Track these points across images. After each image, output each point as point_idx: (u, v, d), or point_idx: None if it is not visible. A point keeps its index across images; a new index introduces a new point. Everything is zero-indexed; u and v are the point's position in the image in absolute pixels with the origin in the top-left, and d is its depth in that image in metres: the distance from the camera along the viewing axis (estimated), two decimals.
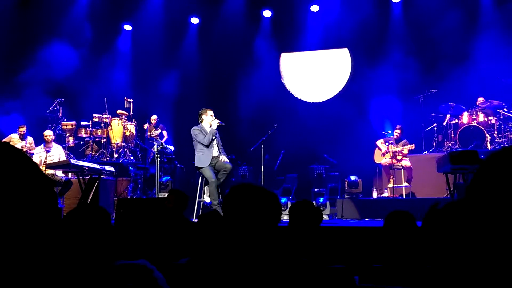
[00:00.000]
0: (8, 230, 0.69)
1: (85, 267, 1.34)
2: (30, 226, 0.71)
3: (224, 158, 7.13)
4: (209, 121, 7.07)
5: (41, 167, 7.31)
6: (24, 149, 8.22)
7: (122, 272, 1.21)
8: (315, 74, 11.89)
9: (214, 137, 6.99)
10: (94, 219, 1.59)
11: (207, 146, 6.94)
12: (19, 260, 0.70)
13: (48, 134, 8.14)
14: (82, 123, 10.29)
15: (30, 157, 0.77)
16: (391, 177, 8.70)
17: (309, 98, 11.83)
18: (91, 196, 7.25)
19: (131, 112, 10.44)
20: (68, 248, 1.40)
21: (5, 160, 0.72)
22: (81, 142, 10.31)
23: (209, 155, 6.95)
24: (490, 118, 9.11)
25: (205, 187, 7.14)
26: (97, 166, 7.49)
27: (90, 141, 10.18)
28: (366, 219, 7.66)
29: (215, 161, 7.02)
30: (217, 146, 7.11)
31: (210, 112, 7.13)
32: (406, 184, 8.56)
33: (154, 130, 10.18)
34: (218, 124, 7.02)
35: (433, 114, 9.72)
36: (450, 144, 9.20)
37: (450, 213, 0.80)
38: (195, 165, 7.07)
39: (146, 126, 10.39)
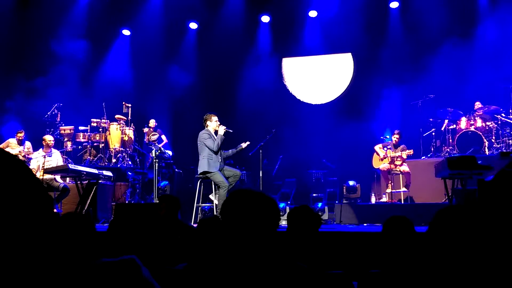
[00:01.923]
0: (3, 234, 0.68)
1: (66, 267, 1.34)
2: (25, 230, 0.71)
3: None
4: (213, 126, 6.98)
5: (39, 172, 7.31)
6: (22, 154, 8.21)
7: (106, 269, 1.20)
8: (316, 78, 11.92)
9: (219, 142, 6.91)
10: (76, 225, 1.64)
11: (216, 152, 6.85)
12: (15, 262, 0.69)
13: (49, 139, 8.13)
14: (80, 127, 10.27)
15: (24, 163, 0.77)
16: (390, 182, 8.69)
17: (310, 99, 11.86)
18: (89, 201, 7.23)
19: (129, 117, 10.43)
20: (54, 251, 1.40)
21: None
22: (79, 147, 10.30)
23: (217, 160, 6.86)
24: (488, 123, 9.14)
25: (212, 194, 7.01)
26: (95, 171, 7.48)
27: (88, 146, 10.17)
28: (365, 224, 7.65)
29: (222, 167, 6.99)
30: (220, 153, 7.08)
31: (214, 118, 7.03)
32: (404, 189, 8.56)
33: (153, 135, 10.17)
34: (225, 131, 6.95)
35: (431, 119, 9.74)
36: (448, 149, 9.22)
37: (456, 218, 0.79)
38: (203, 170, 6.81)
39: (145, 130, 10.39)
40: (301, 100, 11.91)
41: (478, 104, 9.35)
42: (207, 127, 7.03)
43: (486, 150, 8.85)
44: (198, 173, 6.99)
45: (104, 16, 11.48)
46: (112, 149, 9.98)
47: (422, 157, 9.50)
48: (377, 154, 9.08)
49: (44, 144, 8.04)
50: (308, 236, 3.09)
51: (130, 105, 10.49)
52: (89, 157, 10.03)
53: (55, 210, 7.36)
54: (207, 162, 6.81)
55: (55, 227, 0.76)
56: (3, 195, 0.70)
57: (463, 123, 9.20)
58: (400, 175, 8.67)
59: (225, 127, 6.95)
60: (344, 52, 11.73)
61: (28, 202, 0.72)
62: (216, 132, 6.97)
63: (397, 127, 9.35)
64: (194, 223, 6.71)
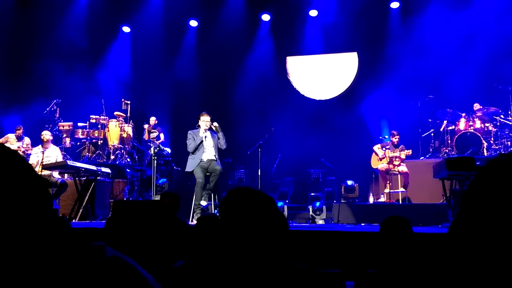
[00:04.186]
0: (2, 229, 0.68)
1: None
2: (23, 226, 0.71)
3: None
4: (202, 126, 7.21)
5: (37, 167, 7.30)
6: (21, 150, 8.20)
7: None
8: (317, 76, 11.91)
9: (203, 141, 7.12)
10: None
11: (193, 152, 7.14)
12: (13, 259, 0.69)
13: (46, 134, 8.12)
14: (79, 124, 10.27)
15: (24, 158, 0.77)
16: (388, 182, 8.70)
17: (312, 95, 11.85)
18: (87, 197, 7.23)
19: (128, 114, 10.42)
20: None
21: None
22: (78, 143, 10.29)
23: (198, 158, 7.13)
24: (487, 124, 9.15)
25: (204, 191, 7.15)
26: (93, 167, 7.48)
27: (87, 143, 10.16)
28: (362, 224, 7.65)
29: (208, 164, 7.11)
30: (214, 149, 7.19)
31: (203, 118, 7.25)
32: (402, 189, 8.57)
33: (152, 132, 10.16)
34: (206, 127, 7.15)
35: (430, 120, 9.74)
36: (447, 150, 9.23)
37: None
38: (187, 171, 7.28)
39: (145, 126, 10.39)
40: (304, 95, 11.86)
41: (477, 106, 9.37)
42: (199, 126, 7.28)
43: (485, 151, 8.86)
44: None
45: (105, 13, 11.46)
46: (110, 146, 9.97)
47: (421, 158, 9.51)
48: (376, 154, 9.08)
49: (42, 139, 8.03)
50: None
51: (129, 102, 10.48)
52: (87, 153, 10.02)
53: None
54: (189, 162, 7.22)
55: (54, 224, 0.76)
56: (2, 190, 0.70)
57: (462, 124, 9.21)
58: (399, 175, 8.68)
59: (205, 128, 7.16)
60: (341, 51, 11.71)
61: (27, 197, 0.72)
62: (210, 129, 7.24)
63: (396, 127, 9.36)
64: (191, 221, 6.72)
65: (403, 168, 8.63)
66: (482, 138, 8.88)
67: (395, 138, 8.85)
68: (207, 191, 7.10)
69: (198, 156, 7.15)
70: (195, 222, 6.39)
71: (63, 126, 10.15)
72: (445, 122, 9.49)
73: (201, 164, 7.11)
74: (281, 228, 1.50)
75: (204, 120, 7.22)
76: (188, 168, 7.20)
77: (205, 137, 7.18)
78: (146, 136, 10.39)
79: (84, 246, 0.82)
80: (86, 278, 0.78)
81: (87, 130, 10.17)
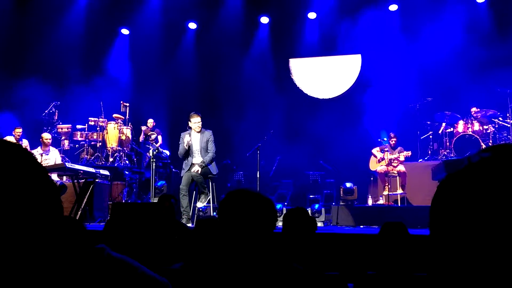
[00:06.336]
0: (13, 228, 0.69)
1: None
2: (34, 225, 0.71)
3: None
4: (193, 128, 7.08)
5: None
6: None
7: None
8: (319, 77, 11.91)
9: (191, 144, 6.97)
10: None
11: (185, 157, 7.02)
12: (21, 258, 0.70)
13: (47, 137, 8.11)
14: (78, 126, 10.25)
15: (35, 157, 0.78)
16: (386, 184, 8.71)
17: (314, 94, 11.85)
18: (85, 200, 7.22)
19: (127, 116, 10.40)
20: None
21: (17, 160, 0.73)
22: (77, 145, 10.27)
23: (188, 163, 7.00)
24: (485, 127, 9.16)
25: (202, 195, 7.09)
26: (92, 170, 7.48)
27: (85, 145, 10.14)
28: (361, 226, 7.66)
29: (195, 169, 7.00)
30: (200, 153, 7.04)
31: (193, 119, 7.06)
32: (401, 191, 8.57)
33: (151, 134, 10.16)
34: (198, 130, 7.00)
35: (428, 122, 9.76)
36: (446, 153, 9.24)
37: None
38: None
39: (143, 128, 10.38)
40: (308, 94, 11.84)
41: (475, 108, 9.37)
42: (190, 128, 7.10)
43: None
44: None
45: (103, 15, 11.46)
46: (109, 148, 9.95)
47: (420, 160, 9.52)
48: (375, 156, 9.09)
49: (42, 142, 8.02)
50: (304, 238, 3.10)
51: (128, 104, 10.46)
52: (86, 156, 10.01)
53: None
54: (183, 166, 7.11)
55: (63, 227, 0.76)
56: (17, 189, 0.71)
57: (460, 126, 9.22)
58: (397, 177, 8.68)
59: (197, 131, 7.02)
60: (343, 53, 11.72)
61: (40, 198, 0.73)
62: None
63: (394, 130, 9.36)
64: (191, 223, 6.71)
65: (400, 167, 8.65)
66: (480, 140, 8.89)
67: (392, 140, 8.87)
68: (204, 194, 7.01)
69: (189, 161, 7.01)
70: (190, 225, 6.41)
71: (61, 129, 10.13)
72: (443, 124, 9.50)
73: (191, 168, 6.94)
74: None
75: (195, 122, 7.00)
76: (182, 171, 7.09)
77: (191, 139, 6.96)
78: (142, 137, 10.38)
79: (92, 248, 0.83)
80: (90, 281, 0.78)
81: (86, 132, 10.15)
